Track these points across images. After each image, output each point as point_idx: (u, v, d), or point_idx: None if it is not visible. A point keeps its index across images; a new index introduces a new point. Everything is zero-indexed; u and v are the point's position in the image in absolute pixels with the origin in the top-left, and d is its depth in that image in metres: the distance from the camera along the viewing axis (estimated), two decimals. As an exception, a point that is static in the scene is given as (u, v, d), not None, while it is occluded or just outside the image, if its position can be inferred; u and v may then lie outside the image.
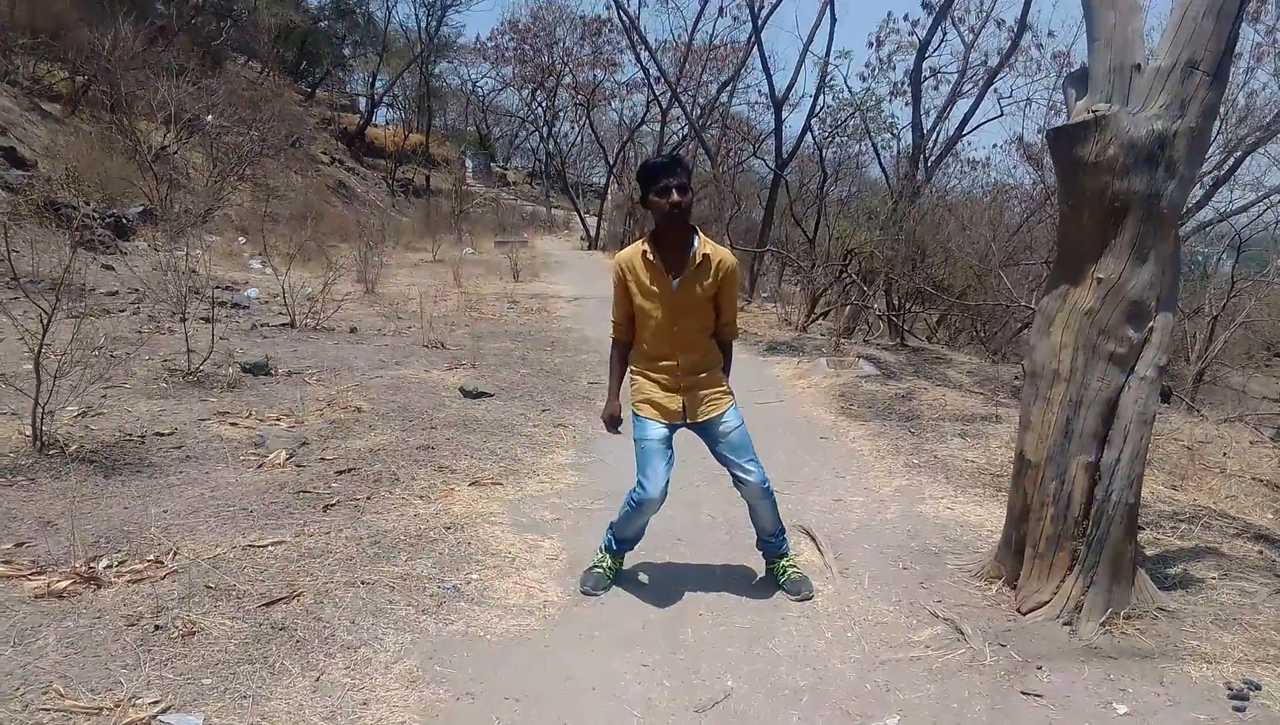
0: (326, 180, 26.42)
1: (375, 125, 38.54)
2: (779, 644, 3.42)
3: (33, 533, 3.84)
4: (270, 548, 3.92)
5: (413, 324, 10.59)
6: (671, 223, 3.46)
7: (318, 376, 7.39)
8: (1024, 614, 3.69)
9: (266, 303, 10.91)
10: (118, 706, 2.63)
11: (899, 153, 17.85)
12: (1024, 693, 3.11)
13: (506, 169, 50.47)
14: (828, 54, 16.66)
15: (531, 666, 3.16)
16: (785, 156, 17.66)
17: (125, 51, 16.24)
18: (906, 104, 16.45)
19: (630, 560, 4.03)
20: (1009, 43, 15.47)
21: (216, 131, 17.98)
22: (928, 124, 16.54)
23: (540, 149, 43.82)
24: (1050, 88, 17.71)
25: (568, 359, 9.47)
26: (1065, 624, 3.57)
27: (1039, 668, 3.28)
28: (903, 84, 17.27)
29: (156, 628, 3.10)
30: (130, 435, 5.27)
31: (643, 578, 4.00)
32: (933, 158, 16.46)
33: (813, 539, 4.50)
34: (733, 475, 3.72)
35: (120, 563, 3.62)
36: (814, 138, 19.26)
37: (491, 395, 7.31)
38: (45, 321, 4.90)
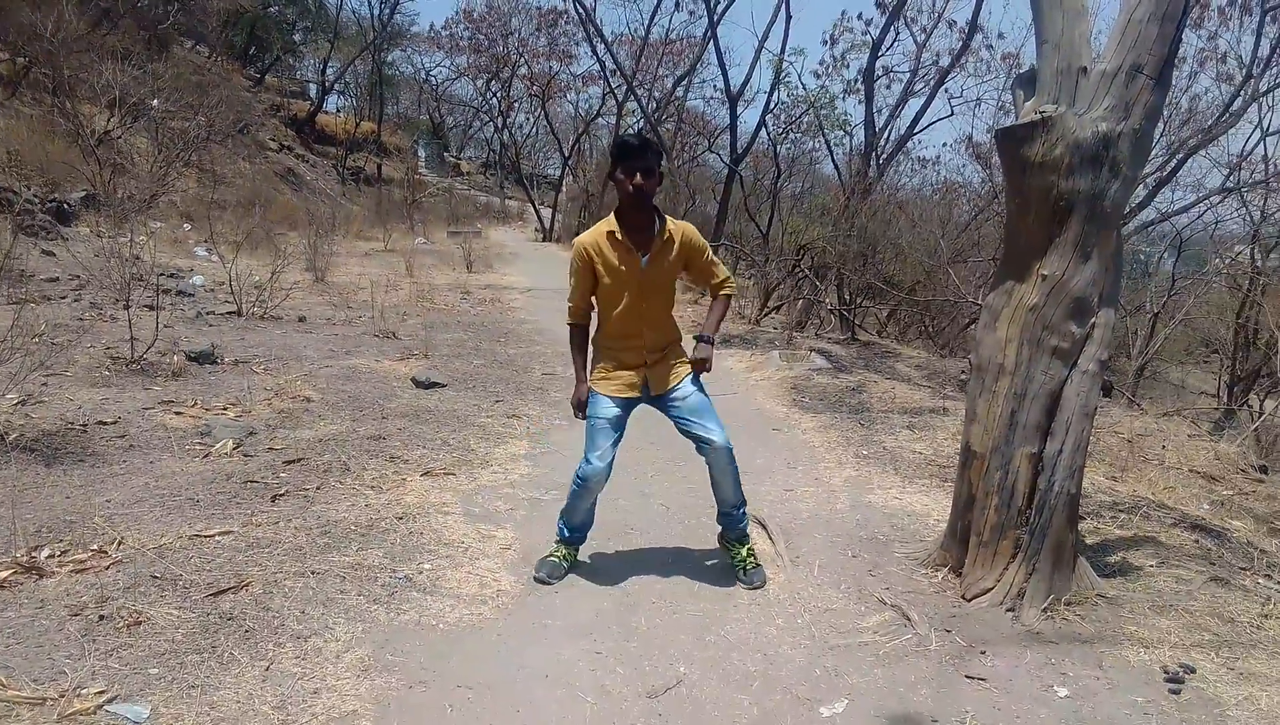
0: (275, 167, 25.93)
1: (326, 112, 37.88)
2: (730, 631, 3.46)
3: (-30, 522, 3.74)
4: (217, 538, 3.86)
5: (363, 313, 10.48)
6: (632, 203, 3.51)
7: (265, 366, 7.28)
8: (969, 600, 3.77)
9: (212, 291, 10.71)
10: (62, 696, 2.59)
11: (851, 150, 18.00)
12: (968, 676, 3.18)
13: (460, 159, 50.05)
14: (783, 51, 16.72)
15: (484, 655, 3.16)
16: (740, 152, 17.70)
17: (69, 34, 15.77)
18: (860, 102, 16.59)
19: (584, 550, 4.04)
20: (960, 43, 15.67)
21: (162, 116, 17.56)
22: (880, 122, 16.70)
23: (494, 139, 43.60)
24: (1000, 88, 17.96)
25: (521, 350, 9.44)
26: (1008, 610, 3.66)
27: (983, 653, 3.36)
28: (856, 82, 17.41)
29: (101, 618, 3.05)
30: (72, 424, 5.16)
31: (591, 565, 4.01)
32: (885, 155, 16.62)
33: (764, 528, 4.55)
34: (696, 440, 3.72)
35: (63, 552, 3.55)
36: (768, 133, 19.36)
37: (444, 386, 7.27)
38: (-16, 306, 4.77)
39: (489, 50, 31.79)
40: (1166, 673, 3.26)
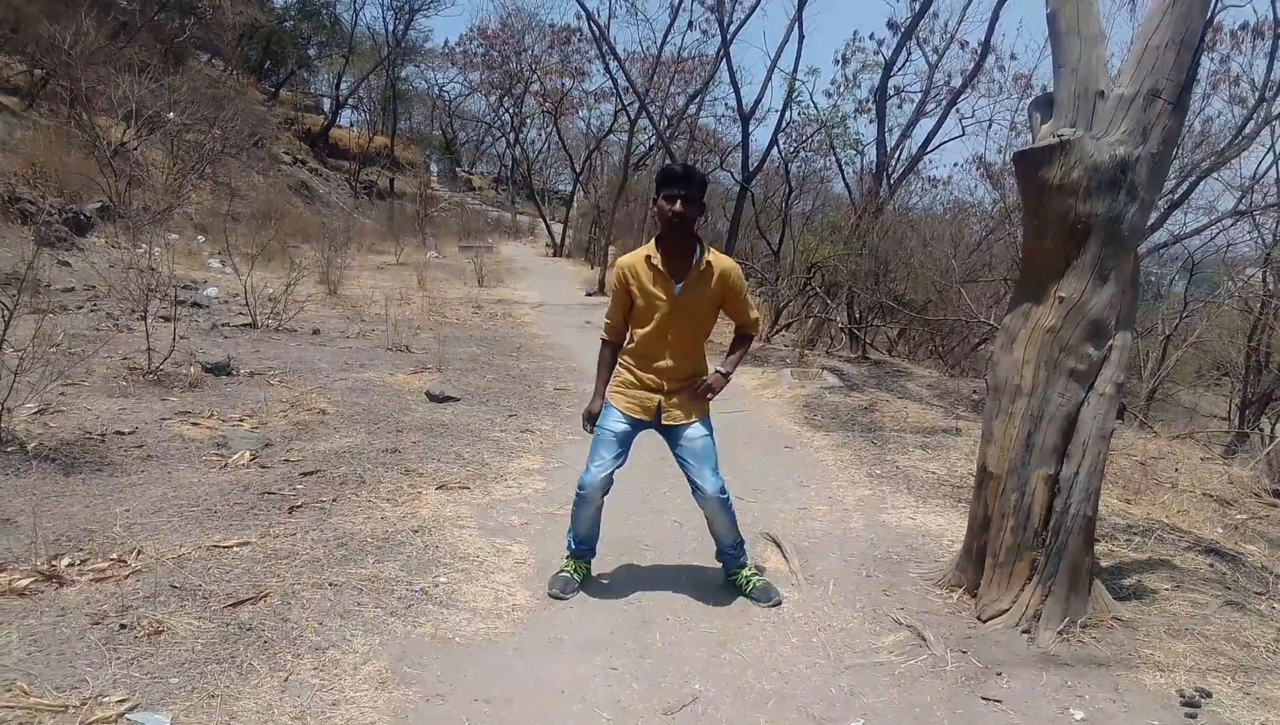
0: (289, 180, 26.11)
1: (339, 126, 38.19)
2: (745, 649, 3.47)
3: (-8, 530, 3.78)
4: (236, 548, 3.89)
5: (376, 327, 10.53)
6: (671, 230, 3.55)
7: (280, 378, 7.32)
8: (984, 622, 3.77)
9: (226, 302, 10.78)
10: (84, 704, 2.61)
11: (862, 169, 18.08)
12: (984, 698, 3.18)
13: (472, 174, 50.28)
14: (795, 70, 16.80)
15: (501, 669, 3.17)
16: (751, 169, 17.78)
17: (86, 46, 15.93)
18: (871, 121, 16.70)
19: (597, 566, 4.06)
20: (973, 64, 15.76)
21: (178, 129, 17.71)
22: (891, 141, 16.80)
23: (506, 155, 43.75)
24: (1013, 110, 18.08)
25: (534, 365, 9.47)
26: (1024, 632, 3.65)
27: (999, 674, 3.36)
28: (868, 101, 17.53)
29: (122, 626, 3.07)
30: (90, 433, 5.19)
31: (604, 581, 4.03)
32: (896, 175, 16.68)
33: (779, 547, 4.55)
34: (691, 483, 3.78)
35: (83, 561, 3.58)
36: (780, 152, 19.45)
37: (458, 399, 7.30)
38: (7, 317, 4.82)
39: (502, 67, 31.98)
40: (1182, 697, 3.25)
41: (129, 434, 5.33)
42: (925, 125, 17.23)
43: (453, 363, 8.89)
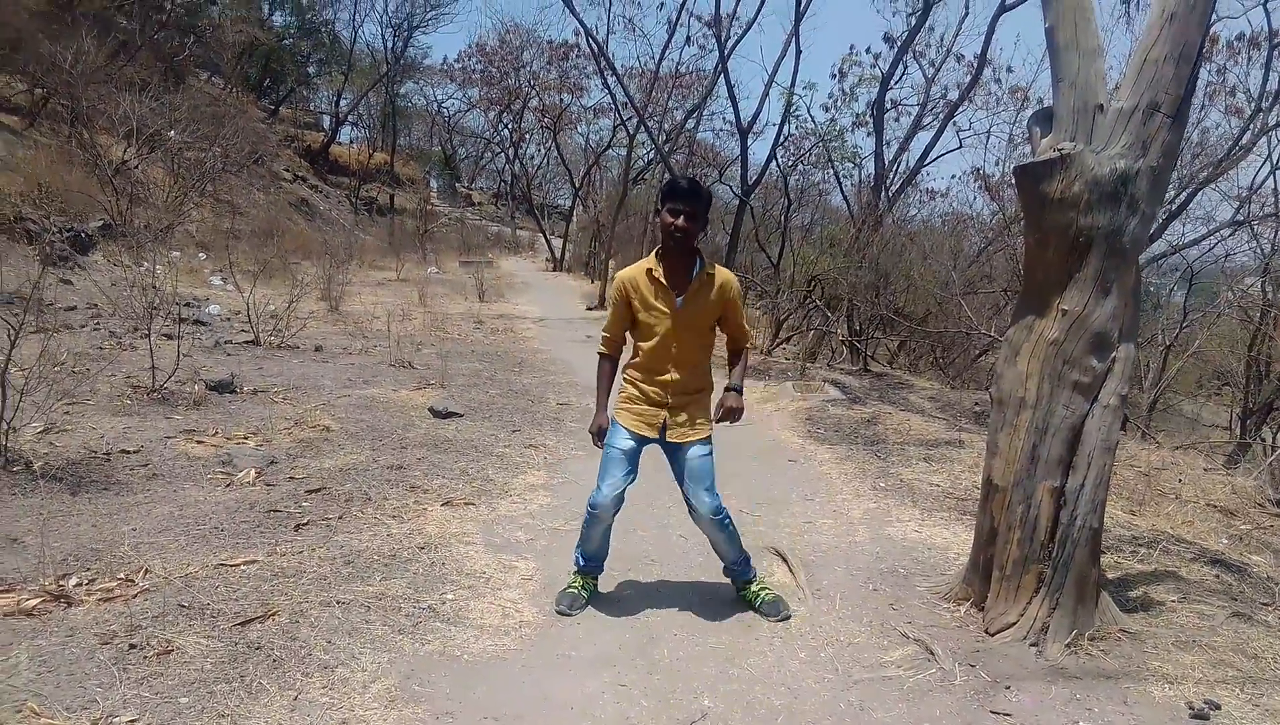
0: (289, 197, 26.17)
1: (339, 143, 38.30)
2: (754, 664, 3.47)
3: (0, 550, 3.78)
4: (243, 567, 3.89)
5: (379, 343, 10.54)
6: (673, 243, 3.56)
7: (284, 395, 7.33)
8: (992, 635, 3.77)
9: (228, 320, 10.80)
10: (95, 725, 2.61)
11: (860, 182, 18.12)
12: (993, 712, 3.18)
13: (471, 189, 50.39)
14: (793, 84, 16.83)
15: (509, 686, 3.17)
16: (750, 183, 17.82)
17: (87, 65, 16.01)
18: (869, 134, 16.75)
19: (604, 582, 4.06)
20: (969, 77, 15.82)
21: (178, 147, 17.78)
22: (889, 154, 16.84)
23: (506, 170, 43.87)
24: (1010, 122, 18.12)
25: (536, 380, 9.48)
26: (1032, 645, 3.66)
27: (1007, 688, 3.35)
28: (865, 115, 17.57)
29: (131, 646, 3.08)
30: (96, 452, 5.20)
31: (607, 591, 4.03)
32: (894, 187, 16.72)
33: (785, 561, 4.55)
34: (686, 502, 3.79)
35: (90, 581, 3.58)
36: (778, 165, 19.50)
37: (461, 415, 7.31)
38: (13, 337, 4.83)
39: (501, 83, 32.16)
40: (1191, 709, 3.25)
41: (134, 453, 5.33)
42: (923, 138, 17.22)
43: (455, 378, 8.90)
